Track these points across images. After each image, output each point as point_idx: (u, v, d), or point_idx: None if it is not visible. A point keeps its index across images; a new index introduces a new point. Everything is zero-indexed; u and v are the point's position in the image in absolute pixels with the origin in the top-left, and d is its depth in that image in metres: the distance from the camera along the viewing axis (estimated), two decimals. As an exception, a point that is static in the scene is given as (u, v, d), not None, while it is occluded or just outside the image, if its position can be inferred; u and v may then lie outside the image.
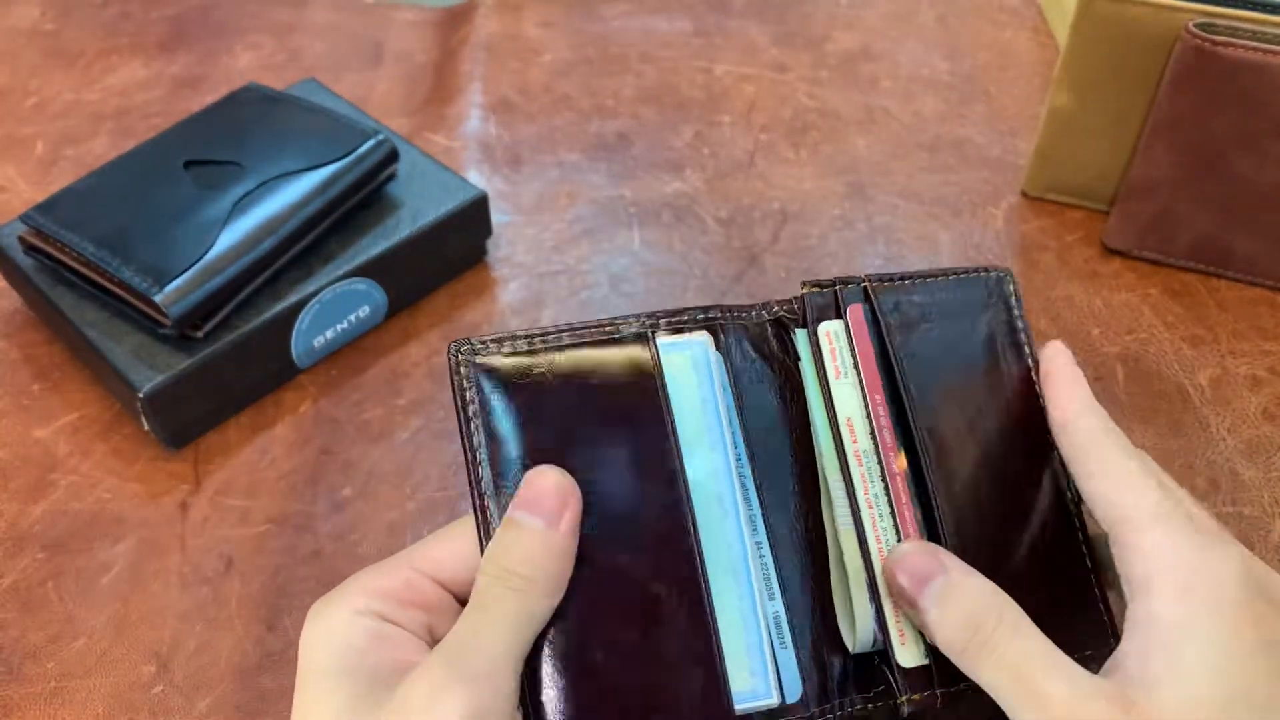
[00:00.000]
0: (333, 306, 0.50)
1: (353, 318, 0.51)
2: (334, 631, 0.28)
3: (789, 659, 0.32)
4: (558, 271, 0.56)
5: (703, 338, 0.33)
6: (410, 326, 0.53)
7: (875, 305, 0.34)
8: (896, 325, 0.34)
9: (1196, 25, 0.48)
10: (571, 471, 0.30)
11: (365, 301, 0.51)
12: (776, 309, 0.35)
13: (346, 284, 0.50)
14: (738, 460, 0.32)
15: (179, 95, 0.67)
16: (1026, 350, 0.35)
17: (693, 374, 0.32)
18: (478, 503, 0.30)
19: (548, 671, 0.29)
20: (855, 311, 0.34)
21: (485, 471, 0.30)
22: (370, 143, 0.51)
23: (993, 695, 0.29)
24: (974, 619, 0.29)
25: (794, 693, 0.31)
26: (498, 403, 0.30)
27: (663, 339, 0.32)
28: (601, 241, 0.57)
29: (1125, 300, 0.54)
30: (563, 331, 0.31)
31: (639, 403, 0.31)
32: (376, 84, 0.68)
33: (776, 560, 0.32)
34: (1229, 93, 0.49)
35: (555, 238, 0.58)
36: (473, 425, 0.30)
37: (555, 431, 0.30)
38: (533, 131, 0.65)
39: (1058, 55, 0.55)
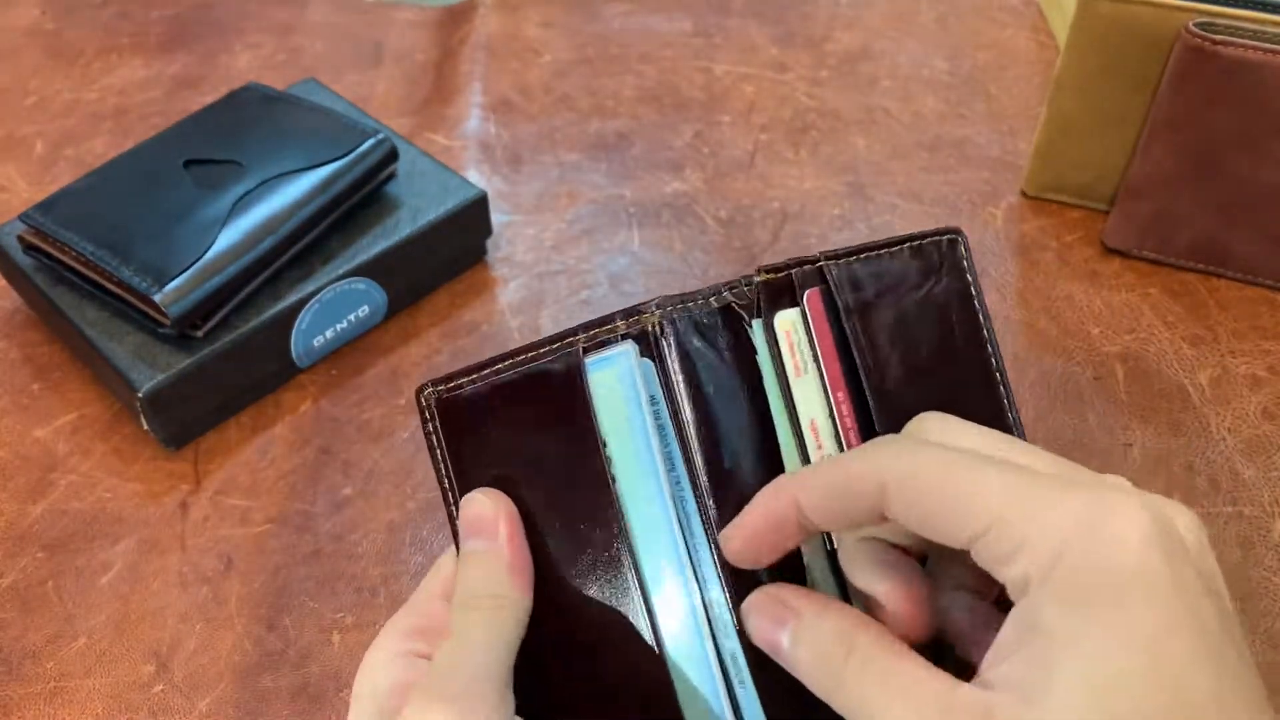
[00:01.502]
0: (332, 306, 0.50)
1: (352, 317, 0.51)
2: (374, 669, 0.30)
3: (749, 696, 0.30)
4: (557, 271, 0.56)
5: (626, 348, 0.31)
6: (410, 326, 0.53)
7: (832, 285, 0.32)
8: (855, 307, 0.32)
9: (1196, 25, 0.48)
10: (524, 502, 0.30)
11: (365, 301, 0.51)
12: (726, 294, 0.33)
13: (346, 283, 0.50)
14: (675, 484, 0.31)
15: (179, 95, 0.67)
16: (980, 317, 0.34)
17: (619, 391, 0.31)
18: (455, 537, 0.31)
19: (533, 683, 0.29)
20: (813, 298, 0.32)
21: (455, 507, 0.31)
22: (370, 142, 0.51)
23: None
24: (825, 656, 0.27)
25: None
26: (456, 439, 0.31)
27: (590, 358, 0.31)
28: (601, 241, 0.57)
29: (1125, 300, 0.54)
30: (503, 360, 0.31)
31: (575, 429, 0.30)
32: (376, 84, 0.68)
33: (735, 591, 0.30)
34: (1229, 92, 0.49)
35: (555, 237, 0.58)
36: (440, 464, 0.31)
37: (508, 462, 0.31)
38: (533, 131, 0.65)
39: (1058, 55, 0.55)
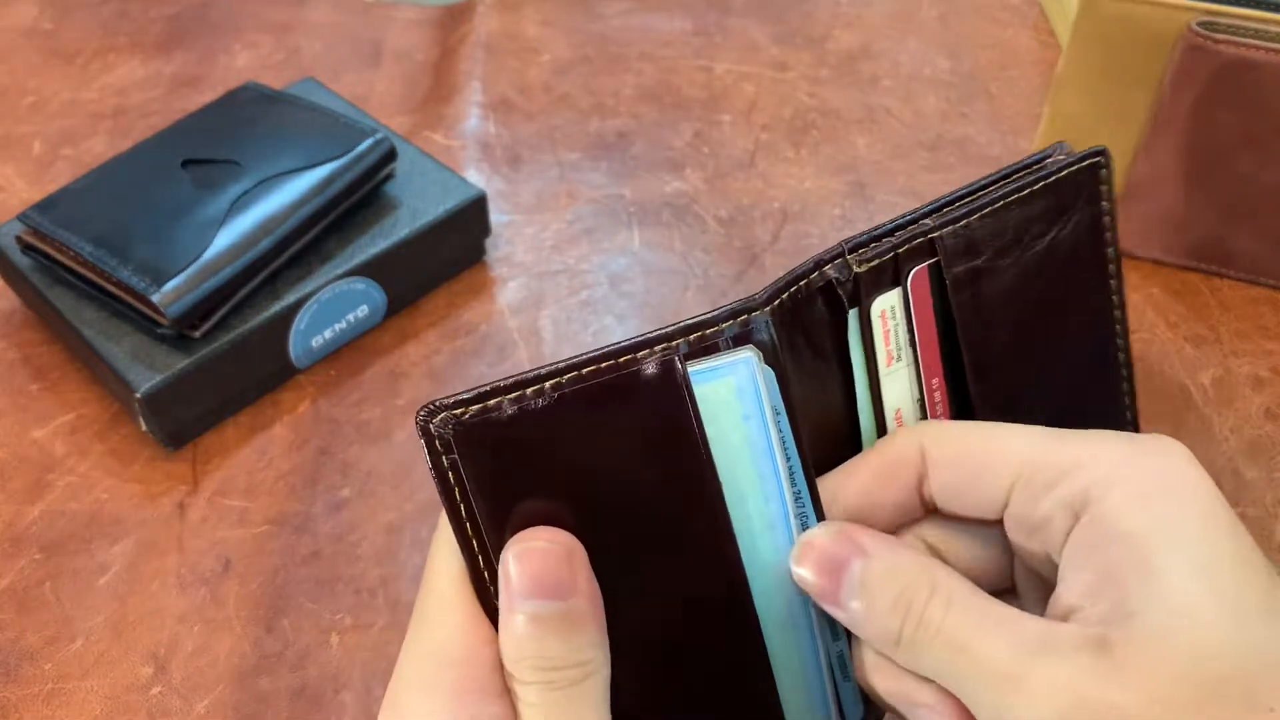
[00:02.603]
0: (331, 306, 0.50)
1: (351, 317, 0.51)
2: None
3: (849, 688, 0.28)
4: (557, 271, 0.56)
5: (747, 354, 0.25)
6: (409, 326, 0.53)
7: (943, 258, 0.27)
8: (966, 280, 0.27)
9: (1199, 24, 0.48)
10: (602, 544, 0.25)
11: (364, 301, 0.51)
12: (828, 270, 0.27)
13: (345, 283, 0.50)
14: (797, 500, 0.27)
15: (177, 94, 0.67)
16: (1110, 251, 0.29)
17: (737, 406, 0.25)
18: (480, 586, 0.25)
19: None
20: (919, 278, 0.27)
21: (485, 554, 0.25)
22: (369, 142, 0.51)
23: (945, 684, 0.24)
24: (904, 598, 0.24)
25: (854, 716, 0.29)
26: (485, 473, 0.25)
27: (694, 367, 0.25)
28: (601, 241, 0.57)
29: (1128, 300, 0.53)
30: (559, 374, 0.25)
31: (674, 452, 0.25)
32: (375, 83, 0.68)
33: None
34: (1231, 92, 0.48)
35: (555, 237, 0.57)
36: (461, 503, 0.25)
37: (574, 498, 0.25)
38: (532, 130, 0.64)
39: (1059, 54, 0.55)
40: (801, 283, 0.27)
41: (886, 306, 0.28)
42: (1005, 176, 0.28)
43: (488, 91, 0.67)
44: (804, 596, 0.27)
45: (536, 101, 0.67)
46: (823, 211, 0.59)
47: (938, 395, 0.28)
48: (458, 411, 0.25)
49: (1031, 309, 0.28)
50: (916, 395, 0.28)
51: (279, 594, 0.42)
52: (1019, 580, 0.26)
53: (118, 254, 0.46)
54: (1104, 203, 0.29)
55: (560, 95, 0.67)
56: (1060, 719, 0.22)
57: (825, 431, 0.28)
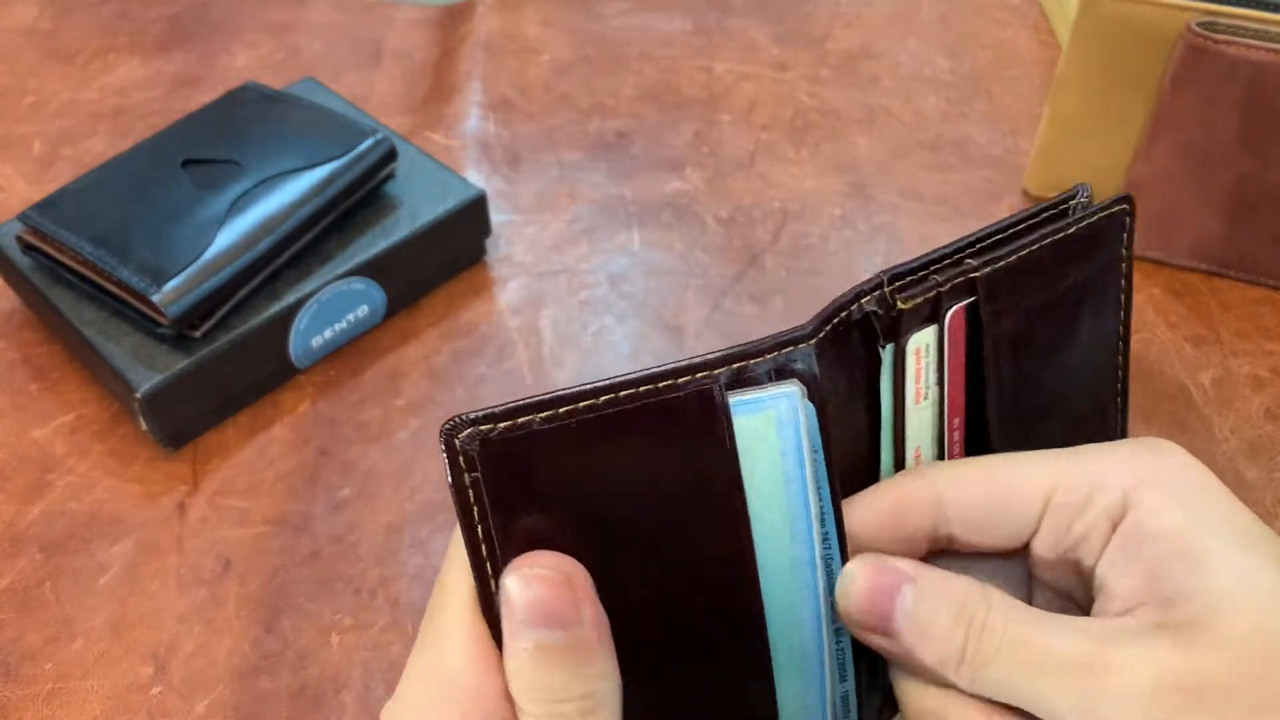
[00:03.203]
0: (331, 306, 0.50)
1: (351, 317, 0.51)
2: None
3: None
4: (557, 271, 0.56)
5: (791, 388, 0.24)
6: (409, 326, 0.53)
7: (981, 297, 0.27)
8: (1000, 320, 0.27)
9: (1198, 24, 0.48)
10: (621, 571, 0.24)
11: (364, 301, 0.51)
12: (867, 303, 0.27)
13: (345, 283, 0.50)
14: (824, 541, 0.26)
15: (177, 94, 0.67)
16: (1122, 298, 0.30)
17: (775, 440, 0.25)
18: (489, 609, 0.24)
19: None
20: (956, 319, 0.27)
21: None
22: (369, 142, 0.51)
23: (1012, 698, 0.24)
24: (965, 613, 0.24)
25: None
26: (507, 495, 0.24)
27: (735, 397, 0.24)
28: (601, 241, 0.57)
29: (1127, 300, 0.53)
30: (595, 394, 0.23)
31: (706, 484, 0.24)
32: (375, 83, 0.68)
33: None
34: (1231, 92, 0.48)
35: (555, 237, 0.57)
36: (479, 524, 0.24)
37: (600, 523, 0.24)
38: (532, 130, 0.64)
39: (1059, 54, 0.55)
40: (843, 314, 0.26)
41: (922, 344, 0.27)
42: (1031, 217, 0.29)
43: (488, 91, 0.67)
44: (818, 639, 0.26)
45: (536, 101, 0.67)
46: (823, 211, 0.59)
47: (957, 435, 0.28)
48: (485, 427, 0.23)
49: (1049, 345, 0.29)
50: (936, 433, 0.28)
51: (279, 594, 0.42)
52: (1040, 608, 0.26)
53: (118, 254, 0.46)
54: (1124, 249, 0.30)
55: (560, 95, 0.67)
56: (1154, 694, 0.22)
57: (847, 466, 0.28)
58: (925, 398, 0.28)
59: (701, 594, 0.25)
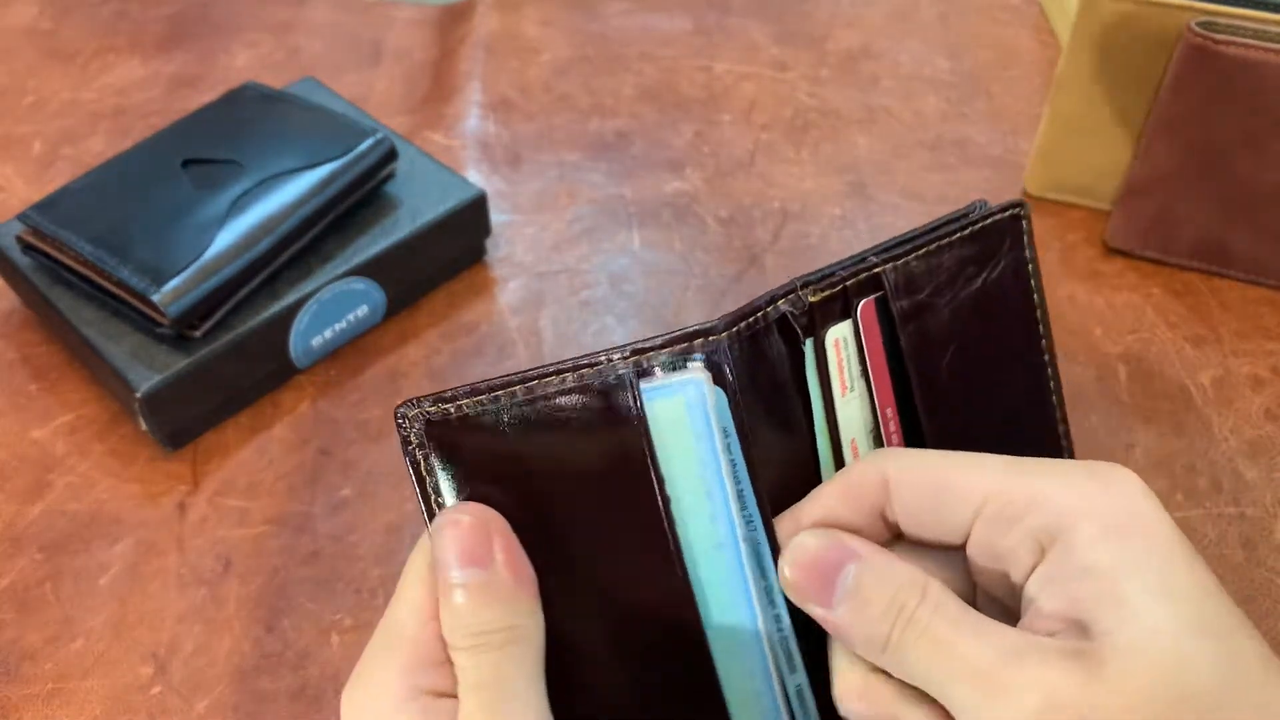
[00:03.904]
0: (331, 306, 0.50)
1: (351, 317, 0.51)
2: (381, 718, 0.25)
3: None
4: (557, 271, 0.56)
5: (698, 375, 0.26)
6: (409, 326, 0.53)
7: (888, 291, 0.29)
8: (910, 312, 0.29)
9: (1198, 24, 0.48)
10: (552, 545, 0.26)
11: (364, 301, 0.51)
12: (782, 305, 0.29)
13: (345, 283, 0.50)
14: (748, 524, 0.27)
15: (177, 94, 0.67)
16: (1035, 297, 0.32)
17: (687, 424, 0.26)
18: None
19: None
20: (867, 309, 0.29)
21: None
22: (369, 141, 0.51)
23: (927, 687, 0.25)
24: (897, 600, 0.25)
25: None
26: (450, 467, 0.26)
27: (646, 384, 0.26)
28: (601, 241, 0.57)
29: (1127, 300, 0.53)
30: (527, 380, 0.26)
31: (623, 464, 0.26)
32: (375, 83, 0.68)
33: (801, 627, 0.28)
34: (1231, 91, 0.48)
35: (555, 237, 0.57)
36: (431, 497, 0.26)
37: (529, 499, 0.26)
38: (532, 130, 0.64)
39: (1059, 54, 0.55)
40: (758, 313, 0.28)
41: (839, 336, 0.29)
42: (937, 228, 0.31)
43: (488, 91, 0.67)
44: (753, 622, 0.27)
45: (536, 101, 0.67)
46: (823, 211, 0.59)
47: (892, 425, 0.30)
48: (430, 409, 0.26)
49: (970, 345, 0.31)
50: (871, 425, 0.30)
51: (279, 594, 0.42)
52: (981, 607, 0.27)
53: (118, 254, 0.46)
54: (1026, 250, 0.31)
55: (560, 95, 0.67)
56: (1038, 717, 0.23)
57: (788, 464, 0.29)
58: (851, 389, 0.29)
59: (629, 571, 0.27)
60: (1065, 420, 0.33)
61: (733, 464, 0.27)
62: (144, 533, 0.44)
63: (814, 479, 0.29)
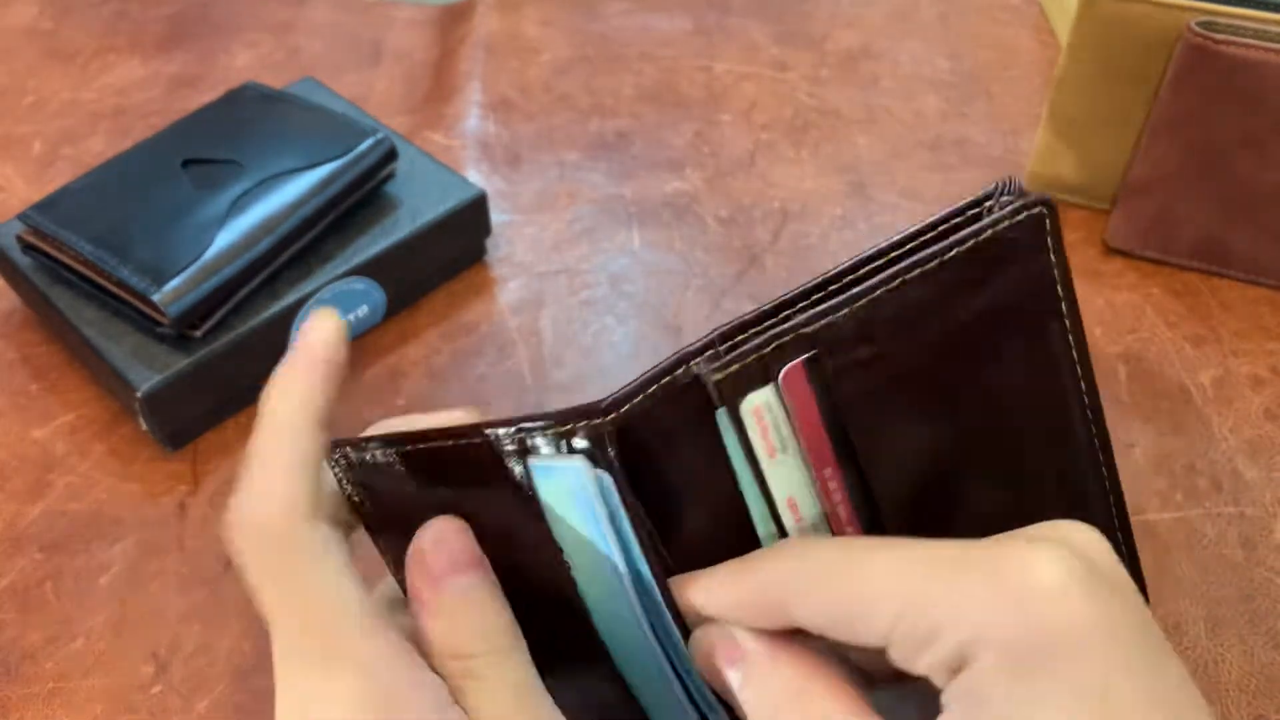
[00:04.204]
0: (331, 306, 0.50)
1: (351, 317, 0.51)
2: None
3: None
4: (557, 271, 0.56)
5: (576, 463, 0.24)
6: (409, 326, 0.53)
7: (821, 355, 0.24)
8: (854, 368, 0.24)
9: (1198, 24, 0.48)
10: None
11: (364, 301, 0.51)
12: (694, 366, 0.25)
13: (345, 283, 0.50)
14: (644, 598, 0.26)
15: (177, 94, 0.67)
16: (1064, 319, 0.25)
17: (573, 506, 0.25)
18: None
19: None
20: (792, 375, 0.24)
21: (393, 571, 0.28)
22: (369, 141, 0.51)
23: None
24: (774, 706, 0.24)
25: None
26: (382, 507, 0.27)
27: (535, 462, 0.25)
28: (601, 241, 0.57)
29: (1127, 300, 0.53)
30: (417, 438, 0.26)
31: (520, 529, 0.26)
32: (375, 83, 0.68)
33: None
34: (1231, 91, 0.48)
35: (555, 237, 0.57)
36: (366, 522, 0.28)
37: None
38: (532, 130, 0.64)
39: (1059, 54, 0.55)
40: (664, 379, 0.25)
41: (760, 402, 0.25)
42: (937, 224, 0.26)
43: (488, 91, 0.67)
44: (675, 684, 0.27)
45: (536, 101, 0.67)
46: (823, 211, 0.59)
47: (833, 484, 0.26)
48: (349, 450, 0.27)
49: (955, 391, 0.25)
50: (809, 483, 0.26)
51: (279, 594, 0.42)
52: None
53: (118, 254, 0.46)
54: (1050, 256, 0.25)
55: (560, 95, 0.67)
56: None
57: (718, 519, 0.26)
58: (783, 450, 0.25)
59: (551, 625, 0.26)
60: (1115, 476, 0.27)
61: (623, 545, 0.25)
62: (144, 532, 0.44)
63: (750, 538, 0.27)
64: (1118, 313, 0.53)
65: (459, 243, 0.54)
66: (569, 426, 0.24)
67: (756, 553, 0.25)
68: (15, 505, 0.45)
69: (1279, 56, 0.47)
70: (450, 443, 0.25)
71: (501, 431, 0.24)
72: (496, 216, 0.58)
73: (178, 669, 0.40)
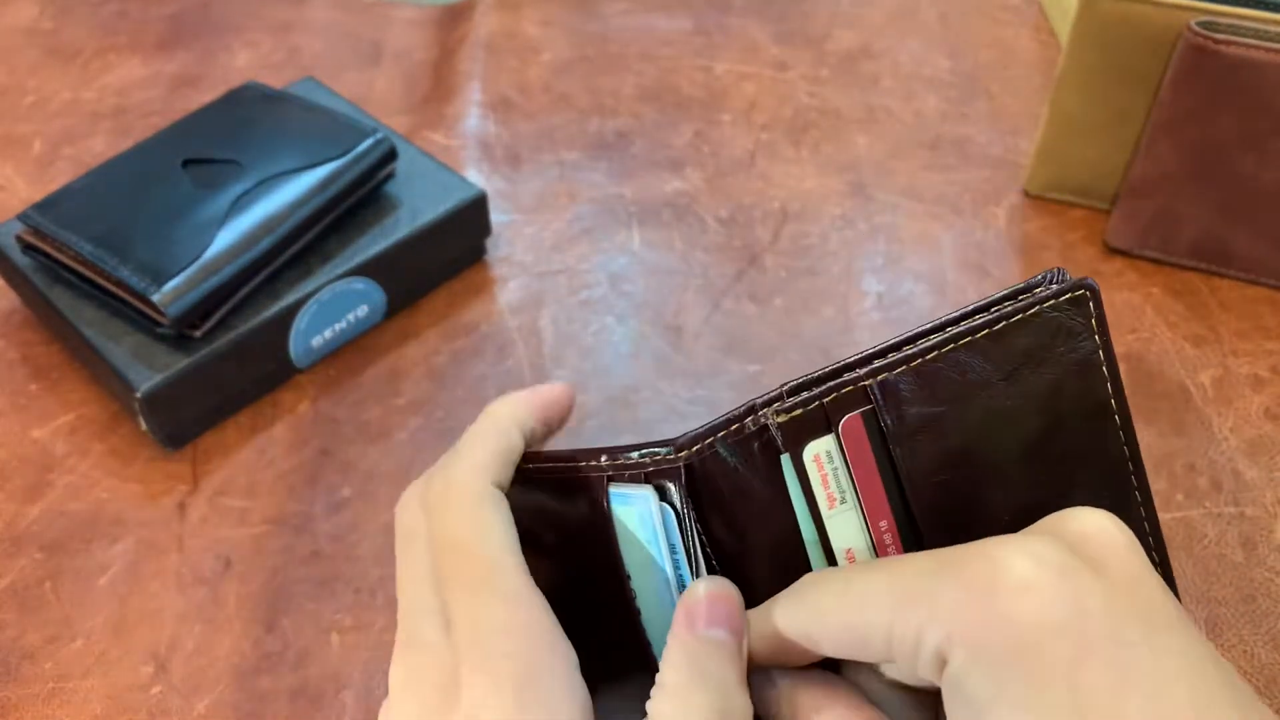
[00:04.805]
0: (331, 306, 0.50)
1: (351, 317, 0.51)
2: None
3: None
4: (557, 271, 0.56)
5: (645, 491, 0.29)
6: (409, 326, 0.53)
7: (876, 405, 0.26)
8: (907, 430, 0.26)
9: (1198, 24, 0.48)
10: (560, 594, 0.30)
11: (364, 301, 0.51)
12: (762, 415, 0.27)
13: (345, 283, 0.50)
14: None
15: (177, 94, 0.67)
16: (1110, 398, 0.27)
17: (640, 530, 0.29)
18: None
19: None
20: (851, 426, 0.26)
21: None
22: (369, 141, 0.51)
23: None
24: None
25: None
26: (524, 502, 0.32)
27: (614, 488, 0.30)
28: (601, 241, 0.57)
29: (1127, 299, 0.53)
30: (537, 459, 0.32)
31: (600, 543, 0.30)
32: (375, 82, 0.68)
33: None
34: (1231, 91, 0.48)
35: (555, 237, 0.57)
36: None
37: (549, 552, 0.32)
38: (532, 130, 0.64)
39: (1059, 53, 0.55)
40: (734, 426, 0.28)
41: (821, 451, 0.27)
42: (991, 304, 0.27)
43: (488, 91, 0.67)
44: None
45: (536, 101, 0.67)
46: (823, 211, 0.59)
47: (888, 538, 0.27)
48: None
49: (1005, 453, 0.27)
50: (866, 536, 0.27)
51: (279, 594, 0.42)
52: None
53: (118, 254, 0.46)
54: (1095, 337, 0.26)
55: (560, 95, 0.67)
56: None
57: (777, 559, 0.28)
58: (842, 500, 0.27)
59: (611, 640, 0.30)
60: (1163, 550, 0.28)
61: (680, 579, 0.29)
62: (144, 532, 0.44)
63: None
64: (1118, 313, 0.53)
65: (459, 243, 0.54)
66: (645, 459, 0.29)
67: (771, 601, 0.27)
68: (15, 505, 0.45)
69: (1279, 56, 0.47)
70: (563, 464, 0.31)
71: (604, 460, 0.30)
72: (496, 216, 0.58)
73: (177, 669, 0.40)
